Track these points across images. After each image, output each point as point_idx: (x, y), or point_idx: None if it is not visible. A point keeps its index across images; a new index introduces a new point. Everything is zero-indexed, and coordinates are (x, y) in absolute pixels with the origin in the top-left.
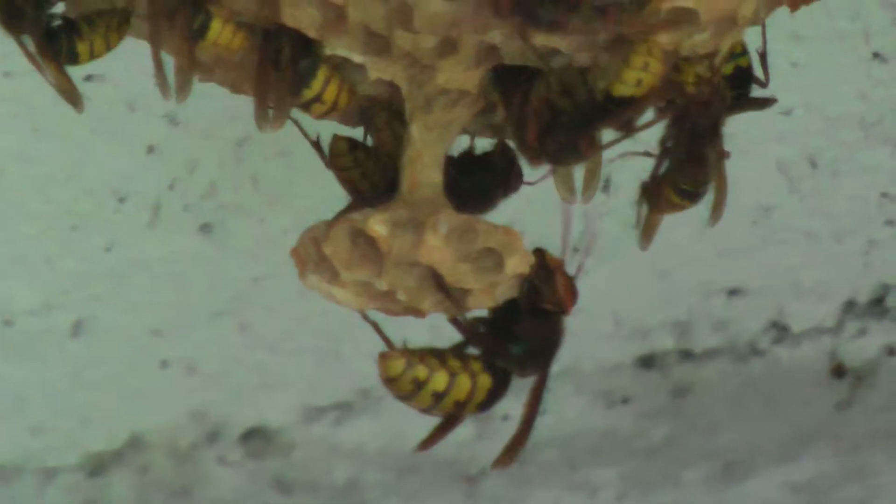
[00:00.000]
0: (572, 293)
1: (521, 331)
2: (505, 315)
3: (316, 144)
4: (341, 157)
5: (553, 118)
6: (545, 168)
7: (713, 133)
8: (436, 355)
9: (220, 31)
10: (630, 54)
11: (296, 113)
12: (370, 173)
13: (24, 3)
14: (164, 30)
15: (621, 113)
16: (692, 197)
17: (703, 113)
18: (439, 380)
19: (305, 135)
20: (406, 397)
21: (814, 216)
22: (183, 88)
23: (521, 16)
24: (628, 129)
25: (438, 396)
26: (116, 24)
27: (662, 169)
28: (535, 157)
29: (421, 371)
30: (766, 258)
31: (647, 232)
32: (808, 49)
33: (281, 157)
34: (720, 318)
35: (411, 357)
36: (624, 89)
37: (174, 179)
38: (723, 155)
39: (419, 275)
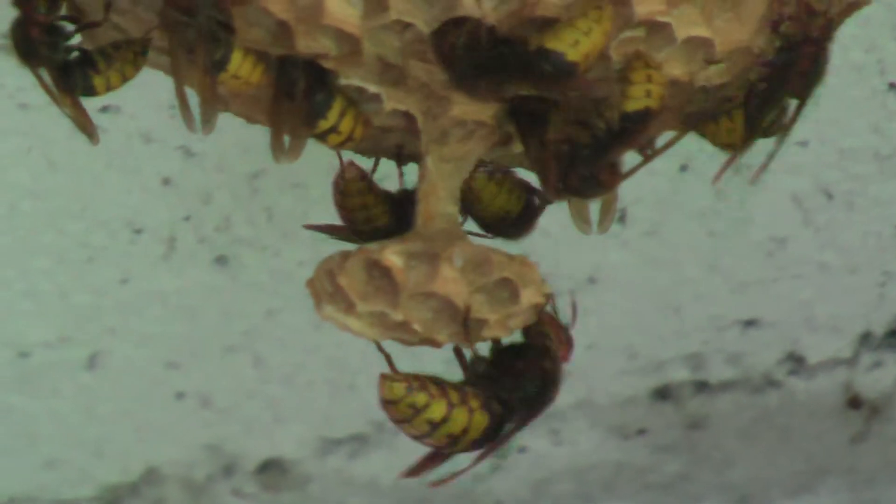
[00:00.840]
0: (567, 344)
1: (517, 376)
2: (505, 358)
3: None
4: (352, 183)
5: (573, 153)
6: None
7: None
8: (437, 384)
9: (240, 64)
10: (629, 73)
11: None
12: (370, 206)
13: (39, 37)
14: (185, 63)
15: (639, 130)
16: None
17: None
18: (437, 409)
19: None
20: (401, 421)
21: (828, 248)
22: (208, 121)
23: (568, 194)
24: (648, 155)
25: (434, 425)
26: (132, 57)
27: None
28: (559, 195)
29: (420, 398)
30: (780, 290)
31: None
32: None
33: (295, 190)
34: (735, 351)
35: (413, 382)
36: (635, 104)
37: (189, 212)
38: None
39: (435, 306)
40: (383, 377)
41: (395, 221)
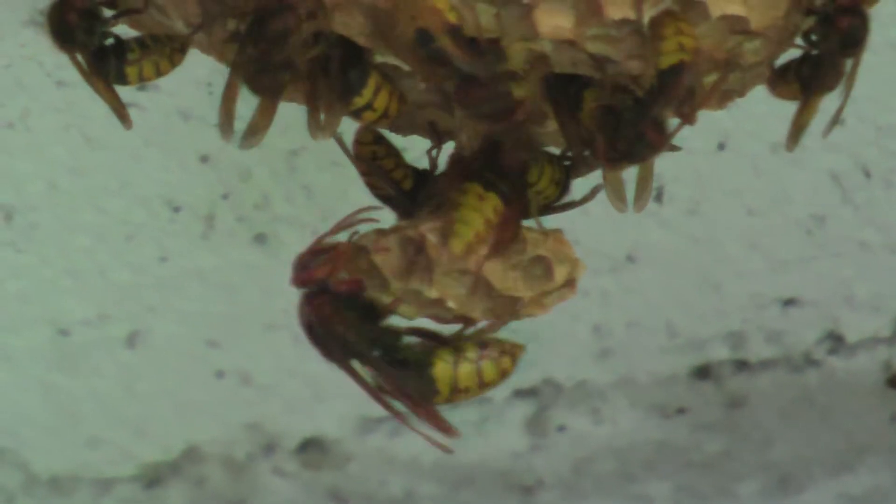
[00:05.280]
0: None
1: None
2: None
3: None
4: (365, 146)
5: (616, 119)
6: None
7: (863, 39)
8: None
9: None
10: (659, 30)
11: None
12: (388, 170)
13: (75, 22)
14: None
15: (677, 84)
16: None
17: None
18: None
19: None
20: None
21: (868, 226)
22: (255, 133)
23: (621, 160)
24: (690, 113)
25: None
26: (169, 52)
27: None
28: (610, 163)
29: None
30: (820, 269)
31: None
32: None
33: (333, 168)
34: (775, 329)
35: None
36: (669, 59)
37: (228, 190)
38: (858, 63)
39: (469, 283)
40: None
41: (414, 191)
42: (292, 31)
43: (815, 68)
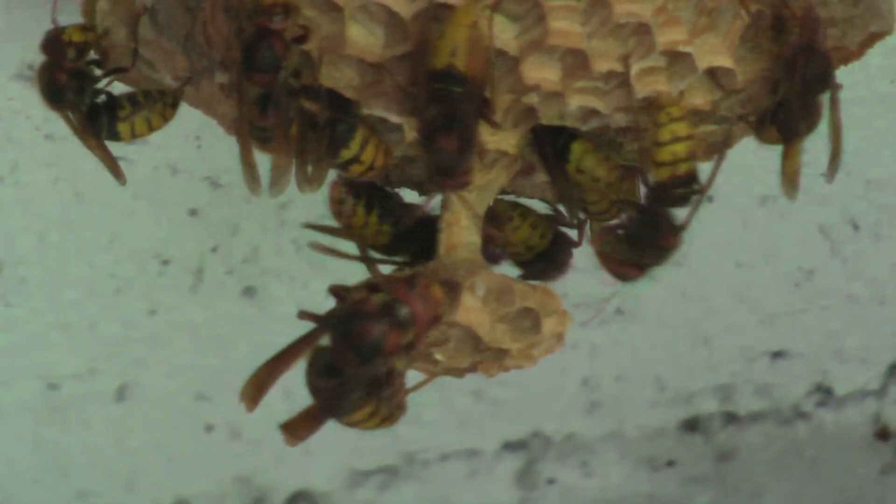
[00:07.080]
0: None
1: None
2: None
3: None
4: (340, 205)
5: (631, 242)
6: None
7: (825, 77)
8: None
9: None
10: (652, 118)
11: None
12: (363, 225)
13: (65, 83)
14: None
15: (675, 196)
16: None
17: (812, 57)
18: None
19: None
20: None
21: (856, 279)
22: (278, 182)
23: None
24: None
25: None
26: (161, 108)
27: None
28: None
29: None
30: (808, 322)
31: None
32: (849, 111)
33: (322, 221)
34: (763, 382)
35: None
36: (662, 173)
37: (216, 243)
38: (836, 101)
39: (457, 335)
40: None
41: (396, 240)
42: (282, 56)
43: (786, 114)
